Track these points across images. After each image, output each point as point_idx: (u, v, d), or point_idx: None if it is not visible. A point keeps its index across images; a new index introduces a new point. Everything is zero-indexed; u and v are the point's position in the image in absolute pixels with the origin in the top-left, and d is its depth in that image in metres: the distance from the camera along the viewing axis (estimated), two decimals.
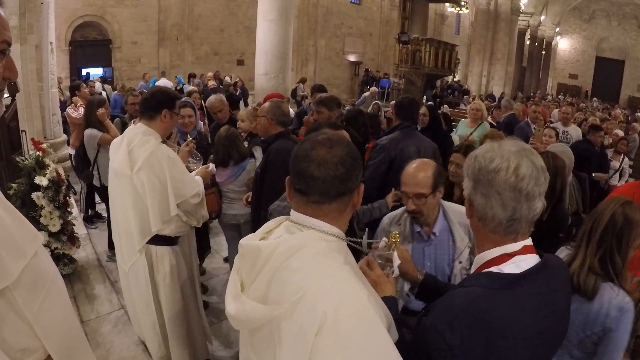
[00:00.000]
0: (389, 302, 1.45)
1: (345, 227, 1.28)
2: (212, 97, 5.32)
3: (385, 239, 1.61)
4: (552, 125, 7.37)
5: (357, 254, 1.55)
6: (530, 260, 1.26)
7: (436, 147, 3.98)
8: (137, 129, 2.77)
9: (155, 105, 2.76)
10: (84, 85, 6.80)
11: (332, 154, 1.21)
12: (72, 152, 6.24)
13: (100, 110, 4.85)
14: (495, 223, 1.23)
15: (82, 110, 6.41)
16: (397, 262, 1.56)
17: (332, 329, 1.06)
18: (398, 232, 1.59)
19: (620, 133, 8.72)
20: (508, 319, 1.18)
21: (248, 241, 1.28)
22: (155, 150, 2.66)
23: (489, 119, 7.42)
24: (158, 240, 2.81)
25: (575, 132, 7.03)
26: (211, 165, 3.25)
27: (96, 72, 15.81)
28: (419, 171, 2.20)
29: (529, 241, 1.28)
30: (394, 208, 2.97)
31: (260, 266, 1.20)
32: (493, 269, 1.26)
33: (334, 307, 1.07)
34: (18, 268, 1.21)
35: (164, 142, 2.82)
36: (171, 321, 2.95)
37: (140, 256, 2.84)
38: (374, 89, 15.18)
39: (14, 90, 6.71)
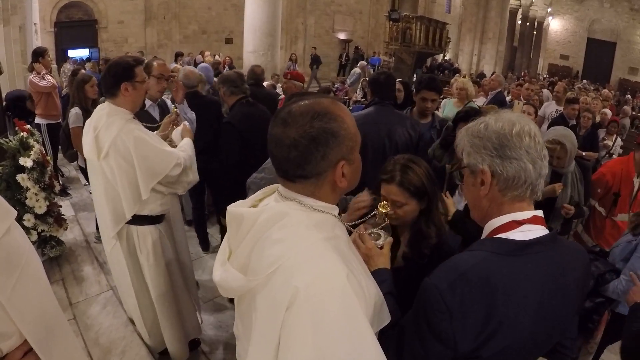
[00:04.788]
0: (382, 275, 1.42)
1: (332, 200, 1.21)
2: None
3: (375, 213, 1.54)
4: (545, 103, 7.33)
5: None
6: (539, 231, 1.24)
7: (416, 133, 3.42)
8: (102, 110, 2.62)
9: (113, 81, 2.57)
10: (49, 53, 6.69)
11: (286, 135, 1.11)
12: (42, 122, 6.18)
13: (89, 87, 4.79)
14: (525, 185, 1.23)
15: (49, 78, 6.28)
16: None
17: (303, 305, 1.02)
18: (385, 202, 1.54)
19: (609, 112, 8.72)
20: (511, 285, 1.16)
21: (234, 208, 1.23)
22: (120, 133, 2.50)
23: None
24: (139, 219, 2.74)
25: None
26: (187, 123, 3.14)
27: (82, 53, 15.53)
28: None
29: (539, 212, 1.27)
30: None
31: (243, 234, 1.16)
32: (500, 235, 1.25)
33: (306, 283, 1.03)
34: None
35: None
36: (159, 301, 2.90)
37: (116, 242, 2.78)
38: (362, 62, 15.01)
39: None
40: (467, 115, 3.33)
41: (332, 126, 1.11)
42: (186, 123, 3.17)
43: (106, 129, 2.53)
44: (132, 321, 3.33)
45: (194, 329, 3.21)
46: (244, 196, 1.36)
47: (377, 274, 1.39)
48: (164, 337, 3.02)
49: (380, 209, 1.49)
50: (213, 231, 5.25)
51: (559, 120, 6.22)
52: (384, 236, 1.51)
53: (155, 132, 3.02)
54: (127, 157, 2.53)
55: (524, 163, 1.21)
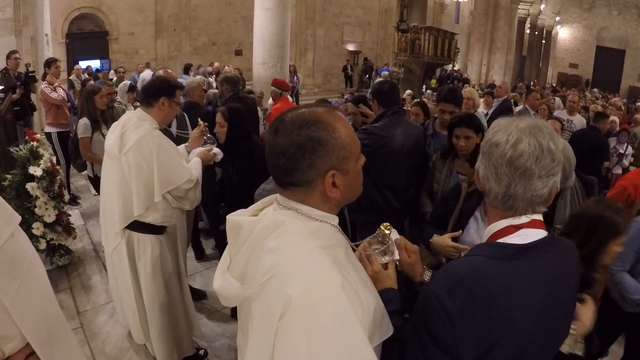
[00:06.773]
0: (389, 294, 1.38)
1: (327, 210, 1.19)
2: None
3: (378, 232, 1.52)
4: (555, 114, 7.29)
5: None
6: (537, 235, 1.21)
7: (422, 134, 3.75)
8: (134, 114, 2.78)
9: (154, 92, 2.75)
10: (58, 64, 6.86)
11: (276, 142, 1.12)
12: (52, 130, 6.27)
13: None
14: (492, 196, 1.23)
15: (60, 91, 6.45)
16: (396, 252, 1.50)
17: (296, 314, 0.99)
18: (388, 223, 1.51)
19: (617, 120, 8.66)
20: (510, 290, 1.14)
21: (233, 217, 1.22)
22: (147, 135, 2.63)
23: (483, 108, 7.19)
24: (140, 227, 2.77)
25: (579, 121, 6.95)
26: (215, 149, 3.15)
27: (93, 64, 15.71)
28: None
29: (539, 216, 1.23)
30: None
31: (241, 243, 1.15)
32: (499, 240, 1.23)
33: (299, 292, 1.01)
34: None
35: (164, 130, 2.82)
36: (152, 311, 2.89)
37: (121, 240, 2.81)
38: (385, 72, 15.19)
39: (8, 82, 6.69)
40: (460, 119, 3.26)
41: (320, 135, 1.10)
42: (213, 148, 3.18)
43: (135, 128, 2.66)
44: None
45: (187, 347, 3.14)
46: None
47: (384, 293, 1.36)
48: (154, 349, 2.99)
49: (383, 229, 1.47)
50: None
51: (590, 132, 6.03)
52: (388, 255, 1.49)
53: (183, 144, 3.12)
54: (147, 160, 2.62)
55: (488, 171, 1.21)
